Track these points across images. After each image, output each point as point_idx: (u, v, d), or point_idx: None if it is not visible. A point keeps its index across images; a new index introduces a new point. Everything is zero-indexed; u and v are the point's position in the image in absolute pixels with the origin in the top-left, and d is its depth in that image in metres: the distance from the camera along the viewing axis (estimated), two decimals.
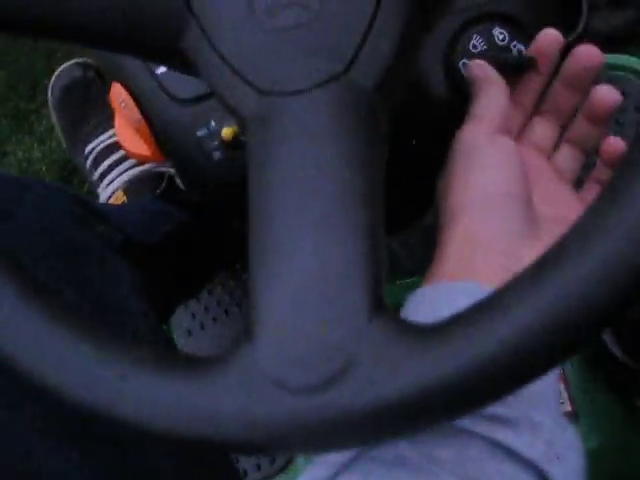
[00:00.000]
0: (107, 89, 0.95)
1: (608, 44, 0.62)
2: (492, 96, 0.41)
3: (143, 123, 0.49)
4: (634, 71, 0.84)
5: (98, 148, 0.90)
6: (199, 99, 0.46)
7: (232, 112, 0.30)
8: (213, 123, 0.46)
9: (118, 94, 0.50)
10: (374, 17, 0.29)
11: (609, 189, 0.23)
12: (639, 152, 0.23)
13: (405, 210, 0.54)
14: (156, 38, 0.31)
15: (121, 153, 0.88)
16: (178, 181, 0.87)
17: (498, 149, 0.39)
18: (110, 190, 0.88)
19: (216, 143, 0.46)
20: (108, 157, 0.89)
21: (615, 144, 0.42)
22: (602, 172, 0.43)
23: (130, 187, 0.87)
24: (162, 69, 0.47)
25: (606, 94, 0.41)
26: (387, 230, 0.30)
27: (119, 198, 0.88)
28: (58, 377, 0.25)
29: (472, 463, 0.29)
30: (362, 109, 0.28)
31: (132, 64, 0.48)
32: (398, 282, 0.82)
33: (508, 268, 0.35)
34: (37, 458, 0.38)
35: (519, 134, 0.44)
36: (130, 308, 0.52)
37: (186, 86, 0.46)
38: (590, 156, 0.44)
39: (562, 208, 0.41)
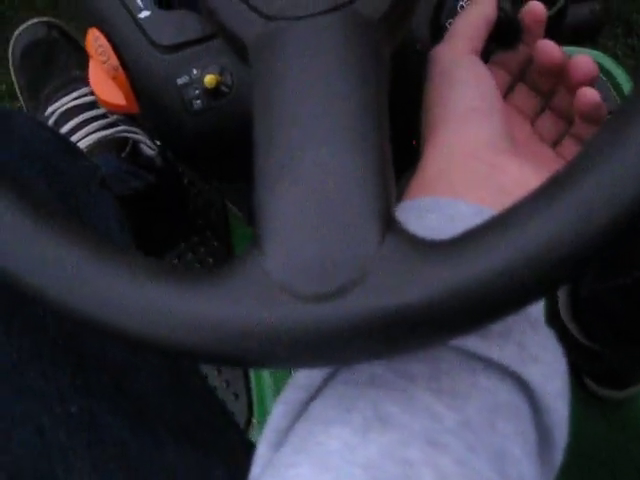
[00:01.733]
0: (72, 47, 0.93)
1: (573, 37, 0.63)
2: (470, 15, 0.42)
3: (120, 71, 0.47)
4: (601, 68, 0.86)
5: (60, 110, 0.87)
6: (182, 46, 0.45)
7: (234, 40, 0.30)
8: (195, 71, 0.45)
9: (94, 39, 0.48)
10: None
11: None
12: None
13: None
14: None
15: (84, 116, 0.86)
16: (142, 147, 0.86)
17: (473, 66, 0.40)
18: None
19: (197, 92, 0.45)
20: (71, 120, 0.87)
21: (588, 95, 0.41)
22: (580, 128, 0.43)
23: (93, 151, 0.85)
24: (145, 13, 0.46)
25: (581, 66, 0.41)
26: None
27: None
28: (51, 281, 0.24)
29: (446, 376, 0.29)
30: (366, 39, 0.29)
31: (112, 8, 0.47)
32: None
33: (486, 176, 0.36)
34: (29, 379, 0.37)
35: (503, 95, 0.45)
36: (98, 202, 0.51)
37: (169, 32, 0.45)
38: (572, 123, 0.45)
39: (541, 167, 0.42)
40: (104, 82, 0.49)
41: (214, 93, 0.45)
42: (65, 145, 0.52)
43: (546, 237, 0.22)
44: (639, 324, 0.69)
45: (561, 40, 0.61)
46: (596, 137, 0.24)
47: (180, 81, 0.45)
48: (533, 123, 0.46)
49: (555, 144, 0.45)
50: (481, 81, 0.39)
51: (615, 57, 1.07)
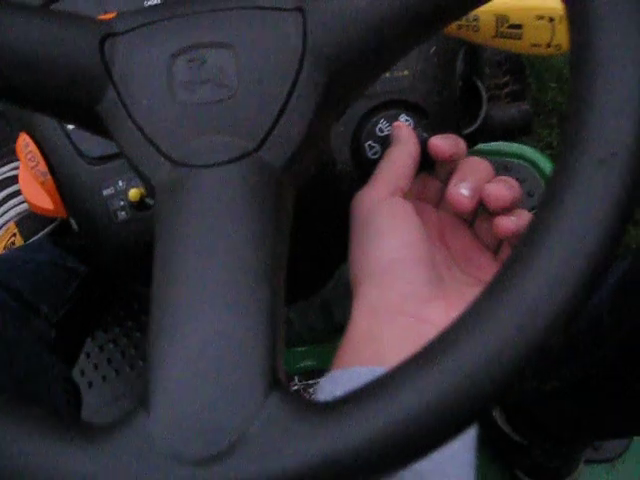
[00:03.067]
0: (5, 129, 0.93)
1: (505, 133, 0.66)
2: (394, 155, 0.42)
3: (49, 177, 0.48)
4: (527, 159, 0.91)
5: None
6: (108, 158, 0.46)
7: (143, 179, 0.31)
8: (120, 183, 0.46)
9: (25, 145, 0.49)
10: (287, 102, 0.30)
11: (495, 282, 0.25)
12: (527, 247, 0.25)
13: (306, 280, 0.55)
14: (72, 99, 0.32)
15: (17, 187, 0.86)
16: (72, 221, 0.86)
17: (393, 212, 0.40)
18: (2, 221, 0.86)
19: (122, 203, 0.46)
20: (4, 189, 0.87)
21: (503, 224, 0.41)
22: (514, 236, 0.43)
23: (22, 220, 0.85)
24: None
25: (494, 197, 0.40)
26: (287, 299, 0.31)
27: (10, 229, 0.86)
28: None
29: None
30: (269, 186, 0.30)
31: (43, 117, 0.47)
32: (293, 349, 0.83)
33: (415, 331, 0.36)
34: None
35: (439, 199, 0.45)
36: (44, 368, 0.51)
37: (96, 144, 0.46)
38: None
39: (478, 272, 0.42)
40: (33, 186, 0.50)
41: (138, 205, 0.46)
42: (18, 306, 0.53)
43: (416, 404, 0.23)
44: (560, 425, 0.71)
45: (492, 139, 0.64)
46: (494, 284, 0.25)
47: (106, 192, 0.46)
48: (473, 225, 0.45)
49: (498, 246, 0.45)
50: (404, 227, 0.39)
51: (549, 146, 1.12)
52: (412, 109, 0.47)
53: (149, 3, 0.47)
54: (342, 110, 0.33)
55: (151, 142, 0.30)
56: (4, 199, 0.83)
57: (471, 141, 0.55)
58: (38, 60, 0.30)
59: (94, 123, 0.32)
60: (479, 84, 0.54)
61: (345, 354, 0.37)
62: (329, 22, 0.30)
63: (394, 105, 0.46)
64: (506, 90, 0.78)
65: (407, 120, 0.46)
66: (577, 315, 0.23)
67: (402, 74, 0.47)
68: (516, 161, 0.90)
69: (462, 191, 0.40)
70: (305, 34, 0.30)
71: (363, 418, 0.24)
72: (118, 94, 0.31)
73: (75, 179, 0.47)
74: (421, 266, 0.38)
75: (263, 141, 0.30)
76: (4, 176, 0.87)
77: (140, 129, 0.30)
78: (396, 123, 0.45)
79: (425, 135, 0.46)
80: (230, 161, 0.29)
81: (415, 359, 0.25)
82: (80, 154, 0.47)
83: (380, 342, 0.36)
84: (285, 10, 0.31)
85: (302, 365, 0.87)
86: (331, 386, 0.35)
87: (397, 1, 0.29)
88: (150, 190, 0.31)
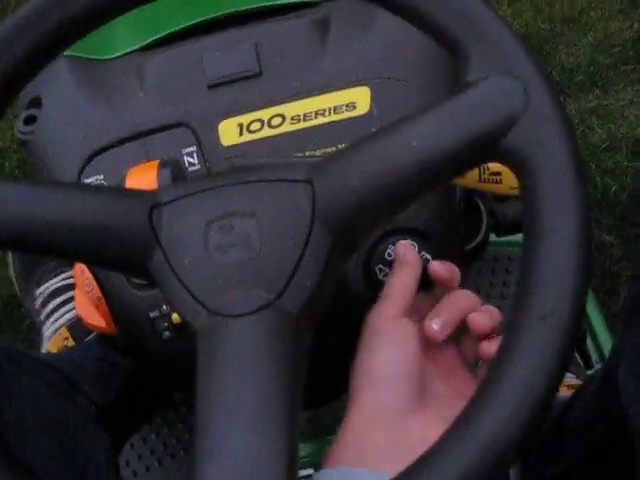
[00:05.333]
0: None
1: (517, 228, 0.72)
2: (401, 278, 0.49)
3: (102, 301, 0.55)
4: None
5: (48, 290, 0.95)
6: (154, 285, 0.53)
7: (186, 324, 0.38)
8: (165, 307, 0.53)
9: (81, 272, 0.57)
10: (300, 259, 0.37)
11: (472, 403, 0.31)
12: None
13: (325, 390, 0.61)
14: (127, 259, 0.39)
15: (69, 294, 0.94)
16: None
17: (396, 331, 0.47)
18: (55, 327, 0.93)
19: (166, 324, 0.53)
20: (57, 297, 0.95)
21: (486, 349, 0.47)
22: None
23: (73, 325, 0.92)
24: None
25: (476, 323, 0.47)
26: (311, 404, 0.37)
27: (62, 334, 0.93)
28: None
29: None
30: (289, 330, 0.37)
31: None
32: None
33: (397, 442, 0.42)
34: None
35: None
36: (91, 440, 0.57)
37: None
38: None
39: (459, 386, 0.48)
40: (88, 307, 0.57)
41: (180, 327, 0.52)
42: (62, 381, 0.60)
43: None
44: None
45: (504, 233, 0.70)
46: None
47: (152, 314, 0.53)
48: (458, 342, 0.52)
49: (475, 356, 0.51)
50: (401, 345, 0.46)
51: None
52: (417, 234, 0.53)
53: (186, 151, 0.55)
54: (349, 257, 0.40)
55: (191, 294, 0.37)
56: (57, 307, 0.91)
57: (475, 252, 0.61)
58: (100, 229, 0.38)
59: (146, 276, 0.39)
60: (480, 203, 0.60)
61: (333, 456, 0.43)
62: (334, 192, 0.37)
63: (400, 232, 0.53)
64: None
65: (413, 244, 0.53)
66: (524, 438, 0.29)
67: None
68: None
69: (434, 326, 0.47)
70: (314, 202, 0.37)
71: None
72: (164, 255, 0.38)
73: (125, 303, 0.54)
74: (409, 382, 0.45)
75: (282, 292, 0.36)
76: (56, 286, 0.96)
77: (182, 284, 0.37)
78: (401, 242, 0.52)
79: (427, 257, 0.52)
80: (255, 311, 0.36)
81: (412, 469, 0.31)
82: (129, 281, 0.54)
83: (365, 450, 0.42)
84: (297, 182, 0.38)
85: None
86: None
87: (388, 178, 0.36)
88: (192, 334, 0.37)
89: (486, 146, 0.35)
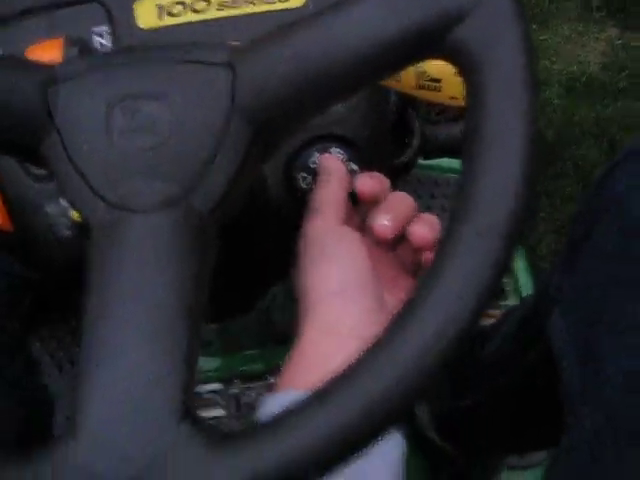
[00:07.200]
0: None
1: (449, 151, 0.70)
2: (330, 188, 0.46)
3: None
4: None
5: None
6: (52, 177, 0.48)
7: (80, 217, 0.33)
8: (63, 202, 0.48)
9: None
10: (214, 152, 0.33)
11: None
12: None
13: (241, 298, 0.58)
14: (17, 140, 0.34)
15: None
16: None
17: (343, 239, 0.43)
18: None
19: (64, 221, 0.48)
20: None
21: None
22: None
23: None
24: None
25: (417, 236, 0.44)
26: (224, 315, 0.33)
27: None
28: None
29: None
30: (195, 231, 0.32)
31: None
32: (234, 354, 0.86)
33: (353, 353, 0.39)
34: None
35: (362, 228, 0.48)
36: None
37: None
38: None
39: (402, 294, 0.46)
40: None
41: (80, 225, 0.48)
42: None
43: (316, 436, 0.27)
44: (477, 438, 0.75)
45: (437, 156, 0.68)
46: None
47: (49, 209, 0.48)
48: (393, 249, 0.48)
49: (414, 263, 0.48)
50: (352, 253, 0.43)
51: None
52: (344, 142, 0.50)
53: (96, 29, 0.49)
54: (269, 155, 0.36)
55: (88, 184, 0.33)
56: None
57: (404, 169, 0.58)
58: None
59: (38, 161, 0.34)
60: (413, 117, 0.57)
61: (297, 372, 0.40)
62: (256, 79, 0.33)
63: (327, 138, 0.49)
64: (437, 109, 0.82)
65: (339, 153, 0.49)
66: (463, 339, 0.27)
67: (335, 108, 0.50)
68: (452, 176, 0.94)
69: (385, 222, 0.44)
70: (234, 88, 0.33)
71: (275, 447, 0.27)
72: (60, 138, 0.33)
73: (20, 194, 0.49)
74: (368, 290, 0.42)
75: (192, 188, 0.32)
76: None
77: (79, 172, 0.33)
78: (325, 155, 0.48)
79: (355, 168, 0.49)
80: (160, 206, 0.32)
81: (333, 382, 0.29)
82: (26, 170, 0.49)
83: (333, 364, 0.39)
84: (216, 65, 0.33)
85: (244, 369, 0.90)
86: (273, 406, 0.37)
87: (322, 67, 0.32)
88: (86, 228, 0.33)
89: (430, 39, 0.31)
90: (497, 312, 0.91)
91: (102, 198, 0.33)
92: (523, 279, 0.98)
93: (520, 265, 0.99)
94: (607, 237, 0.51)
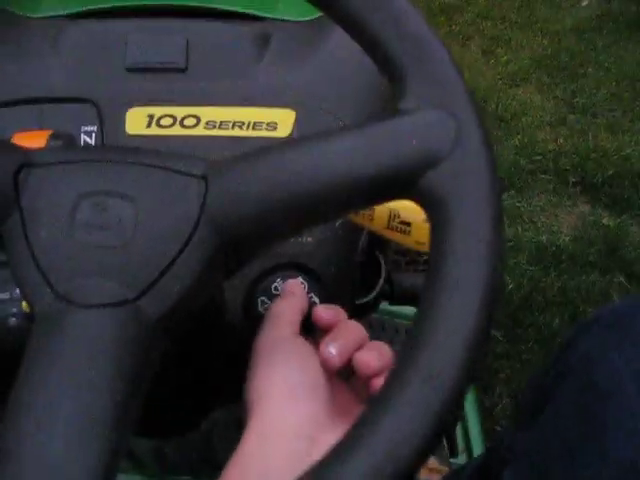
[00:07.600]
0: None
1: (411, 300, 0.70)
2: (288, 302, 0.46)
3: None
4: None
5: None
6: (5, 265, 0.48)
7: (27, 303, 0.32)
8: (17, 291, 0.47)
9: None
10: (174, 260, 0.33)
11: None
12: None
13: (181, 417, 0.56)
14: None
15: None
16: None
17: (296, 347, 0.43)
18: None
19: (14, 310, 0.47)
20: None
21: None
22: None
23: None
24: None
25: (364, 360, 0.42)
26: (163, 433, 0.32)
27: None
28: None
29: None
30: (139, 337, 0.31)
31: None
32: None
33: (303, 452, 0.38)
34: None
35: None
36: None
37: None
38: None
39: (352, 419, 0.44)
40: None
41: (30, 316, 0.46)
42: None
43: None
44: None
45: (396, 302, 0.68)
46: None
47: (1, 296, 0.47)
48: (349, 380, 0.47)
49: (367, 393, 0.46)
50: (305, 358, 0.42)
51: None
52: (310, 274, 0.50)
53: (86, 129, 0.50)
54: (231, 273, 0.36)
55: (40, 271, 0.32)
56: None
57: (365, 310, 0.58)
58: None
59: None
60: (381, 260, 0.57)
61: (232, 473, 0.38)
62: (228, 195, 0.33)
63: (293, 267, 0.49)
64: (407, 259, 0.83)
65: (302, 283, 0.49)
66: None
67: (306, 240, 0.50)
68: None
69: (331, 350, 0.43)
70: (204, 201, 0.33)
71: None
72: (22, 220, 0.33)
73: None
74: (319, 390, 0.41)
75: (144, 292, 0.32)
76: None
77: (34, 257, 0.32)
78: (290, 281, 0.49)
79: (315, 300, 0.49)
80: (107, 305, 0.31)
81: None
82: None
83: (269, 464, 0.37)
84: (191, 176, 0.34)
85: None
86: None
87: (295, 192, 0.33)
88: (31, 315, 0.32)
89: (404, 181, 0.32)
90: (445, 468, 0.88)
91: (51, 287, 0.32)
92: (475, 438, 0.96)
93: (473, 424, 0.97)
94: (567, 398, 0.51)
